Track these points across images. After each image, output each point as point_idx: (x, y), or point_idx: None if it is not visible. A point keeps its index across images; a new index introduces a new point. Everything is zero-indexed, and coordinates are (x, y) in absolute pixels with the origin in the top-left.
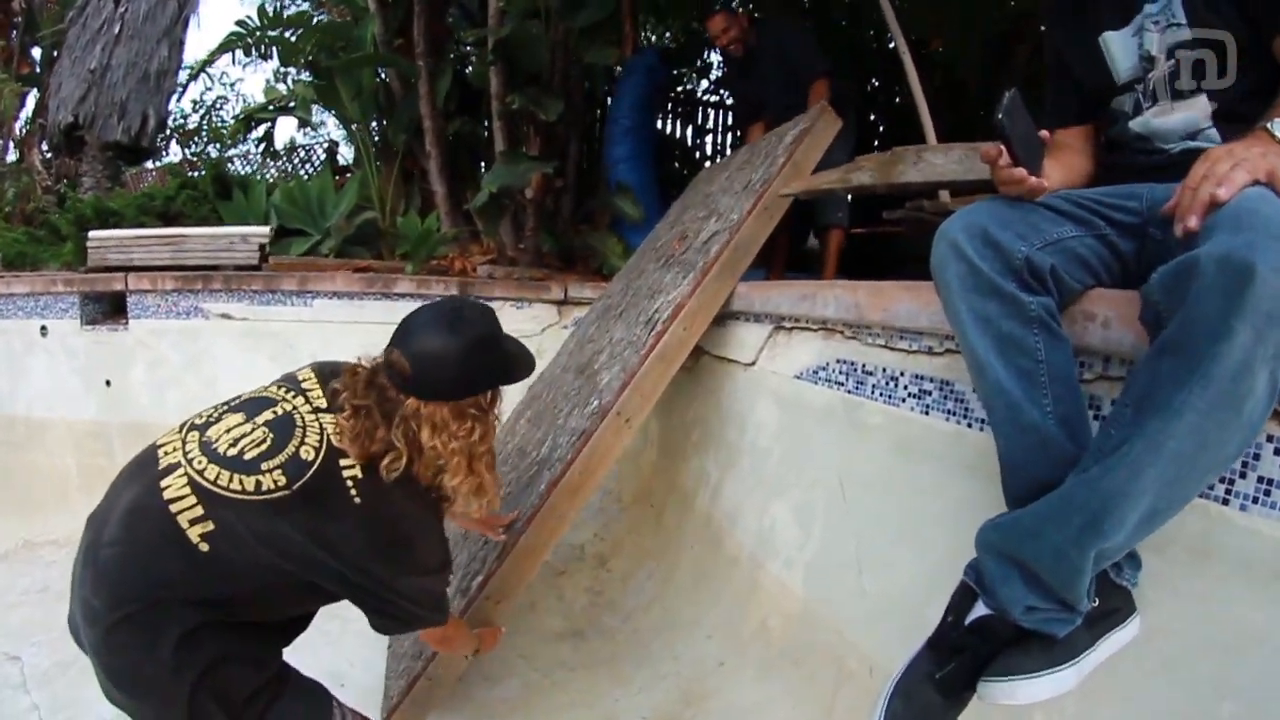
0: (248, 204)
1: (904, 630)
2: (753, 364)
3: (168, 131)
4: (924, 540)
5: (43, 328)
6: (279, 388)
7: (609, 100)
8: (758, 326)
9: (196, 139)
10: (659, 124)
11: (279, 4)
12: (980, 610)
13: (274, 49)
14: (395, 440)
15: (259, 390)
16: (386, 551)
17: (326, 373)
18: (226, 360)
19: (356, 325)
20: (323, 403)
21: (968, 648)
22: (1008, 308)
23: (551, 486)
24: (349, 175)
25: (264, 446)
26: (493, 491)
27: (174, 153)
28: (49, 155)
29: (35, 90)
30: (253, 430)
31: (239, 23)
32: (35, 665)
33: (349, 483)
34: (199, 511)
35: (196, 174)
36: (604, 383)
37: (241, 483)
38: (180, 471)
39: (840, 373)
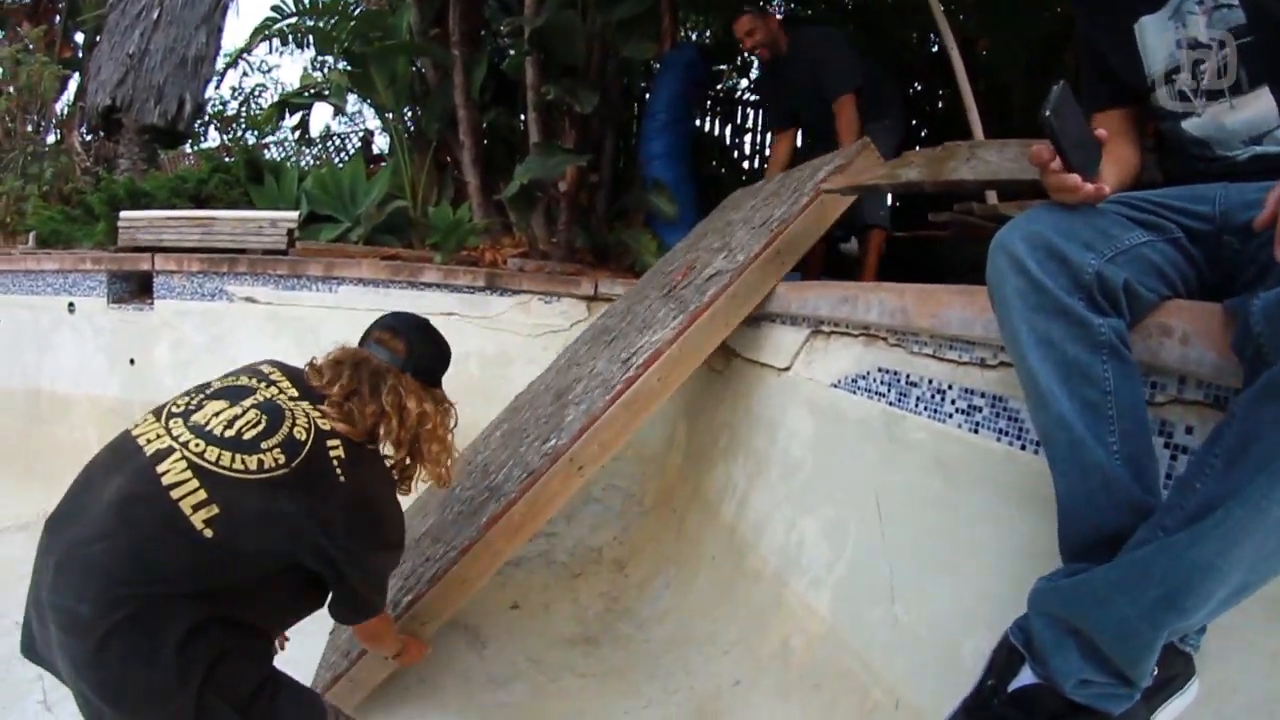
0: (279, 189)
1: (936, 665)
2: (787, 369)
3: (206, 117)
4: (965, 571)
5: (70, 305)
6: (249, 378)
7: (646, 95)
8: (794, 330)
9: (235, 125)
10: (697, 121)
11: None
12: (1026, 678)
13: (310, 37)
14: (385, 406)
15: (228, 380)
16: (364, 527)
17: (288, 368)
18: (249, 343)
19: (380, 313)
20: (294, 392)
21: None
22: (1074, 330)
23: (491, 523)
24: (383, 164)
25: (260, 427)
26: (449, 469)
27: (213, 138)
28: (87, 137)
29: (77, 74)
30: (244, 413)
31: (274, 7)
32: None
33: (335, 462)
34: (202, 495)
35: (231, 159)
36: (567, 420)
37: (244, 462)
38: (177, 456)
39: (881, 383)
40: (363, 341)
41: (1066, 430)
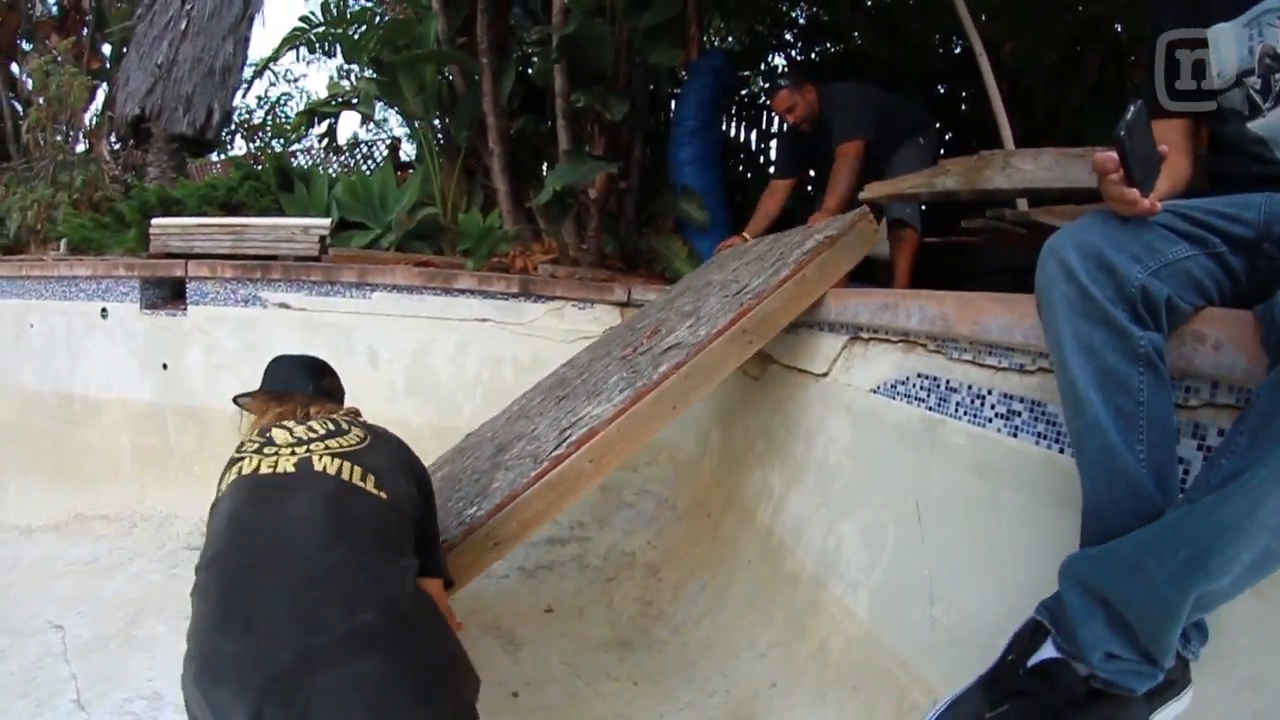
0: (309, 196)
1: (974, 666)
2: (825, 375)
3: (233, 126)
4: (1004, 572)
5: (103, 310)
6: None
7: (673, 102)
8: (832, 336)
9: (261, 134)
10: (723, 127)
11: (342, 1)
12: (1048, 652)
13: (337, 46)
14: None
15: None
16: (423, 468)
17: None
18: (282, 349)
19: (414, 319)
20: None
21: (1027, 691)
22: (1116, 340)
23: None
24: (411, 171)
25: (329, 426)
26: None
27: (239, 147)
28: (116, 146)
29: (105, 85)
30: (306, 429)
31: (302, 18)
32: (77, 636)
33: (378, 431)
34: (360, 470)
35: (259, 167)
36: (494, 486)
37: (348, 441)
38: (316, 455)
39: (921, 388)
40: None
41: (1100, 435)
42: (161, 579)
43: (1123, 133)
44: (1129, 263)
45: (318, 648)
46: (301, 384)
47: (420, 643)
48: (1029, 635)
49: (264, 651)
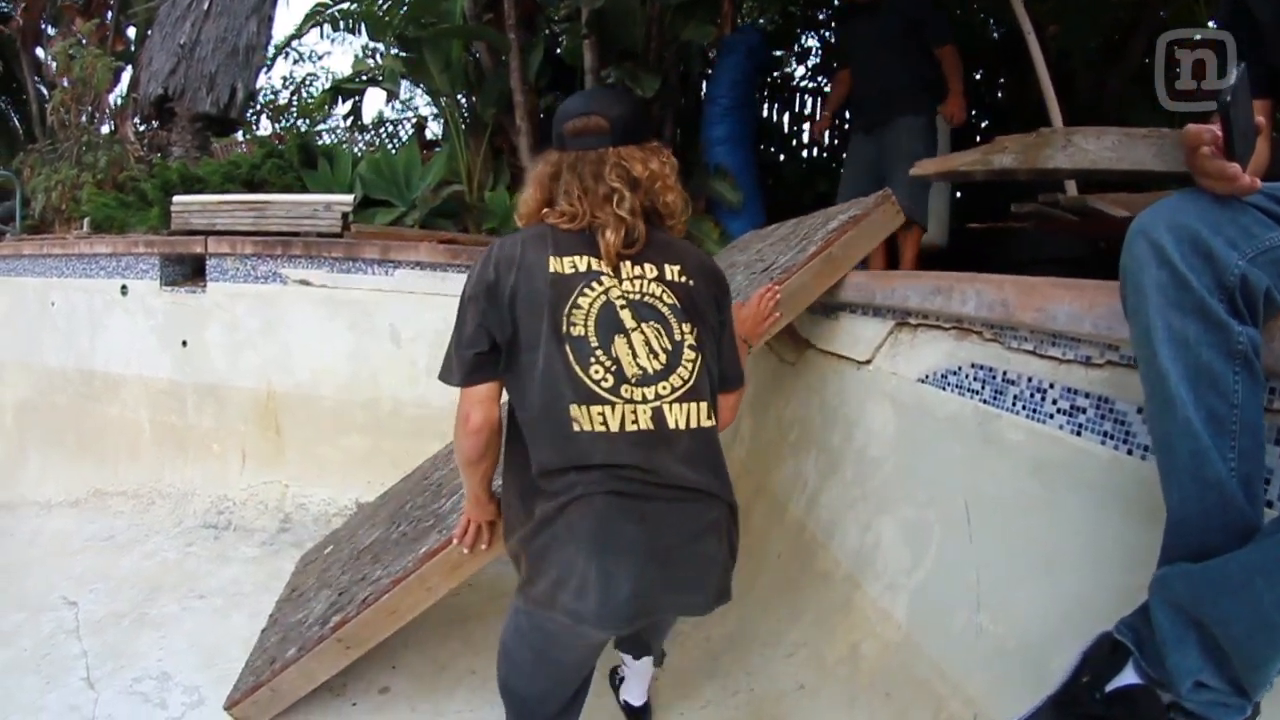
0: (333, 174)
1: (1021, 679)
2: (868, 362)
3: (258, 105)
4: (1060, 581)
5: (123, 287)
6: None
7: (704, 82)
8: (877, 321)
9: (287, 114)
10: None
11: None
12: (1130, 677)
13: (362, 23)
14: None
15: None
16: None
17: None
18: (302, 326)
19: (438, 297)
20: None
21: (1104, 718)
22: (1212, 334)
23: (428, 556)
24: (436, 149)
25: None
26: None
27: (265, 127)
28: (140, 127)
29: (130, 67)
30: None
31: None
32: (90, 613)
33: None
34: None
35: (284, 145)
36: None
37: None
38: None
39: (975, 379)
40: (559, 144)
41: (1192, 439)
42: (177, 556)
43: (1229, 98)
44: (1227, 248)
45: None
46: None
47: None
48: (1106, 655)
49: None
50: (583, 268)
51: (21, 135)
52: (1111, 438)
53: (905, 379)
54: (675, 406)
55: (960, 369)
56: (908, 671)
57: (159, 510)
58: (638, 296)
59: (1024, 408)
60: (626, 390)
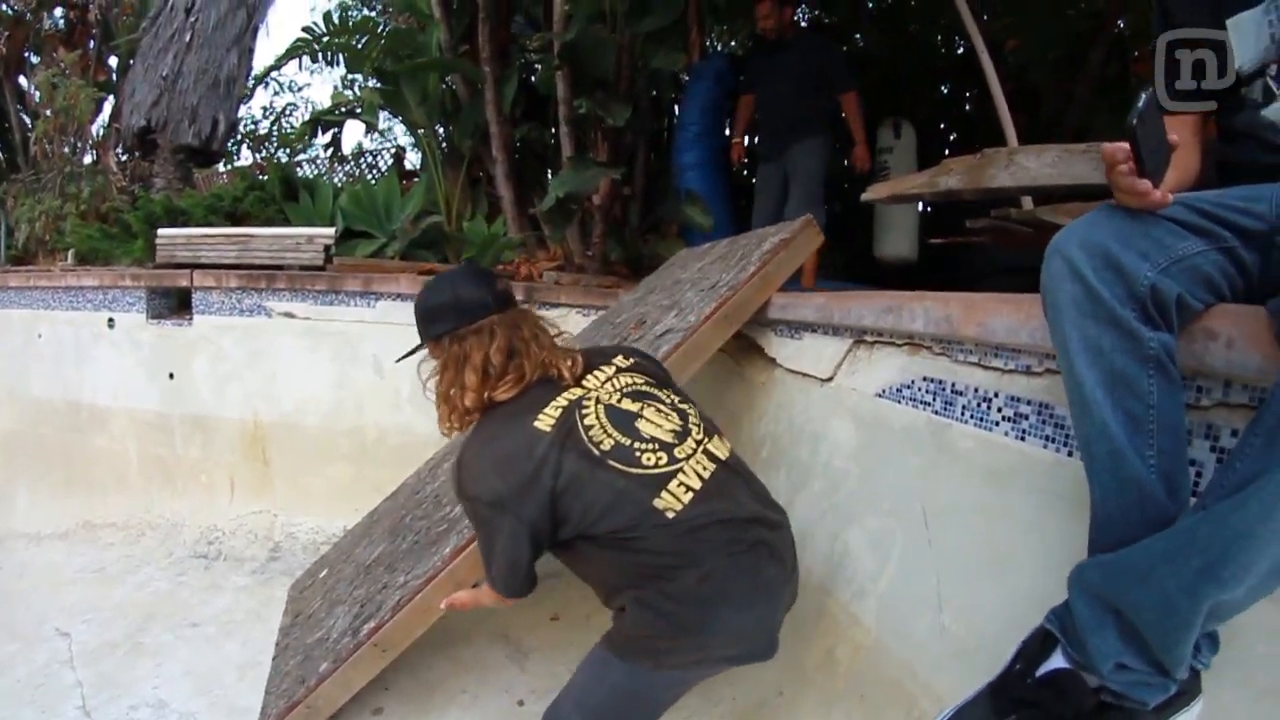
0: (314, 206)
1: (983, 675)
2: (830, 379)
3: (238, 136)
4: (1014, 579)
5: (110, 320)
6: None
7: (675, 108)
8: (837, 340)
9: (267, 144)
10: (728, 131)
11: (345, 11)
12: (1057, 662)
13: (340, 56)
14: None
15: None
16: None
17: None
18: (287, 358)
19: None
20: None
21: (1035, 702)
22: (1124, 341)
23: (456, 553)
24: (415, 180)
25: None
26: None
27: (245, 157)
28: (123, 158)
29: (111, 97)
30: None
31: (305, 29)
32: (83, 643)
33: None
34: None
35: (264, 177)
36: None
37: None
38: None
39: (927, 392)
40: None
41: (1108, 440)
42: (169, 586)
43: (1135, 120)
44: (1138, 260)
45: None
46: None
47: None
48: (1038, 644)
49: None
50: (564, 404)
51: (4, 165)
52: (1053, 441)
53: (864, 394)
54: (711, 442)
55: (913, 382)
56: (879, 673)
57: (149, 541)
58: (620, 390)
59: (972, 417)
60: (679, 452)
